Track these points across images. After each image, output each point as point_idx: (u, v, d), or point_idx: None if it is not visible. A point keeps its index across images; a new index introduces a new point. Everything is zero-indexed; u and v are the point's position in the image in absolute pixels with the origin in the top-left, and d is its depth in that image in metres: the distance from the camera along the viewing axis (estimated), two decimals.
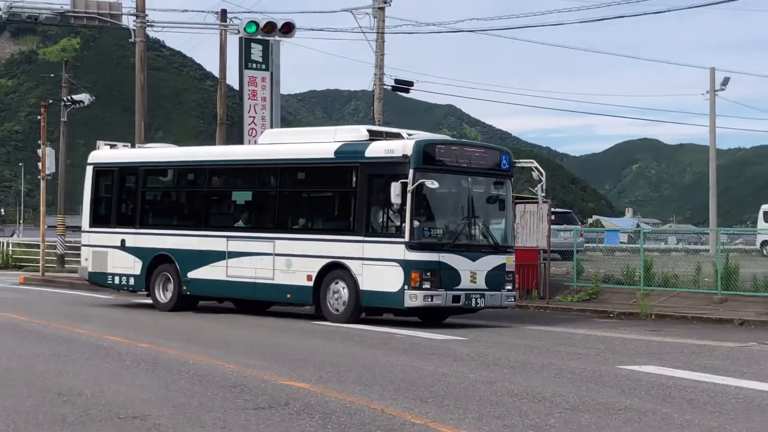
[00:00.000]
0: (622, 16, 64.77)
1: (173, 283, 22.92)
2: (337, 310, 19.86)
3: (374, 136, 20.30)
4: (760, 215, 51.95)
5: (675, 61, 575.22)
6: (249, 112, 33.37)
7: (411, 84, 35.83)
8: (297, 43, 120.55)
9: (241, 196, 23.11)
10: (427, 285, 18.76)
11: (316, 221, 21.28)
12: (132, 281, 23.87)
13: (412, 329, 18.73)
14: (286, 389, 10.94)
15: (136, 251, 23.65)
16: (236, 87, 35.09)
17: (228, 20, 33.31)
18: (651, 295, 24.65)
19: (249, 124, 33.31)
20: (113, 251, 24.08)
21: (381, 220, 19.56)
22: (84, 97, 46.86)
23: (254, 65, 33.26)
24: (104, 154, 25.57)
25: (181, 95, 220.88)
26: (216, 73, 37.00)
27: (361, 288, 19.39)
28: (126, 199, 24.70)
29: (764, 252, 36.48)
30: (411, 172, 18.73)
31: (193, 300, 23.12)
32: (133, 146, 27.72)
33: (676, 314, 22.89)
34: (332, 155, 20.29)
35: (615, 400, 10.54)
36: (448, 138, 20.03)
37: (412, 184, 18.64)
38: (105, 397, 10.40)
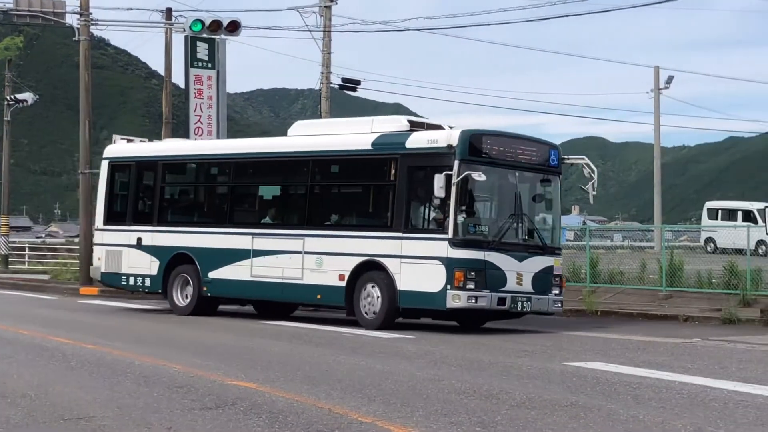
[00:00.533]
0: (567, 15, 65.28)
1: (192, 284, 21.62)
2: (367, 312, 18.65)
3: (414, 126, 19.27)
4: (704, 212, 52.53)
5: (620, 60, 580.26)
6: (195, 111, 33.24)
7: (358, 83, 35.88)
8: (243, 42, 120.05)
9: (268, 191, 21.75)
10: (471, 285, 17.50)
11: (349, 217, 20.08)
12: (148, 282, 22.53)
13: (360, 329, 18.70)
14: (233, 389, 10.89)
15: (153, 250, 22.39)
16: (182, 86, 34.95)
17: (173, 18, 33.13)
18: (597, 292, 24.85)
19: (195, 123, 33.18)
20: (128, 250, 22.79)
21: (422, 215, 18.42)
22: (28, 96, 46.45)
23: (200, 64, 33.15)
24: (120, 148, 24.42)
25: (126, 94, 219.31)
26: (161, 72, 36.77)
27: (398, 288, 18.13)
28: (143, 195, 23.43)
29: (708, 249, 36.79)
30: (456, 163, 17.51)
31: (213, 302, 21.84)
32: (151, 141, 26.44)
33: (621, 311, 23.10)
34: (369, 146, 19.17)
35: (561, 397, 10.60)
36: (495, 129, 19.06)
37: (457, 177, 17.44)
38: (50, 398, 10.30)
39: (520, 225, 18.50)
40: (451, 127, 18.77)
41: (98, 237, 24.12)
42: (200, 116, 33.30)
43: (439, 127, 19.10)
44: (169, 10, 33.49)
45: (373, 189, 19.65)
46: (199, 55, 33.04)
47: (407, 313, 18.72)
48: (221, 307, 22.29)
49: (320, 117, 34.04)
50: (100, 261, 23.60)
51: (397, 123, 19.50)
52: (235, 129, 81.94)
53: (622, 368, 13.18)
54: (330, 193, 20.73)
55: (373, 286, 18.48)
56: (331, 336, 17.49)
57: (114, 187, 23.80)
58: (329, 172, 20.61)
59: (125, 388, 10.93)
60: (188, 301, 21.75)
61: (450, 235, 17.53)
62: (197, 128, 33.17)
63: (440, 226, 17.77)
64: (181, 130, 35.19)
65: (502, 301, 17.85)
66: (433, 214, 18.13)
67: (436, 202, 17.79)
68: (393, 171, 18.64)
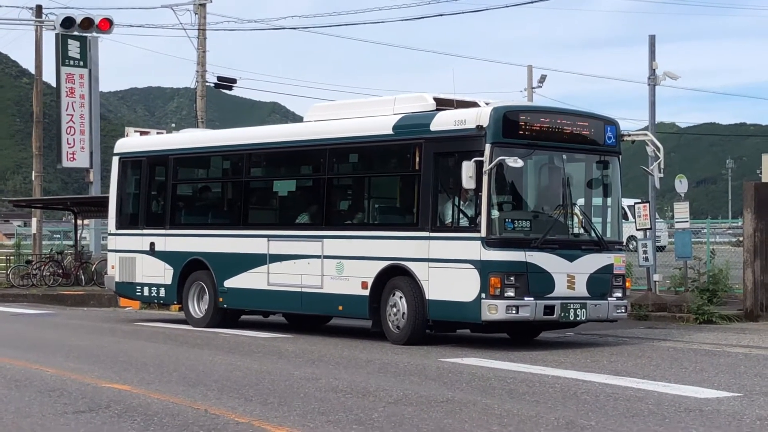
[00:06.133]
0: (441, 15, 65.94)
1: (208, 293, 19.08)
2: (398, 327, 16.00)
3: (442, 105, 16.60)
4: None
5: (495, 59, 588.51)
6: (67, 110, 32.83)
7: (234, 81, 35.66)
8: (116, 40, 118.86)
9: (283, 187, 19.21)
10: (510, 292, 14.85)
11: (372, 214, 17.38)
12: (162, 292, 19.93)
13: (237, 329, 18.59)
14: (108, 392, 10.75)
15: (166, 256, 19.82)
16: (54, 84, 34.41)
17: (44, 16, 32.62)
18: None
19: (67, 122, 32.80)
20: (142, 257, 20.21)
21: (451, 210, 15.73)
22: None
23: (72, 62, 32.75)
24: (132, 141, 22.19)
25: None
26: (33, 70, 36.10)
27: (427, 297, 15.56)
28: (156, 194, 20.77)
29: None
30: (488, 147, 14.93)
31: (232, 314, 19.25)
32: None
33: None
34: (390, 131, 16.55)
35: (437, 393, 10.71)
36: (535, 105, 16.04)
37: (489, 163, 14.86)
38: None
39: (569, 217, 16.17)
40: (487, 104, 16.17)
41: (111, 243, 21.51)
42: (72, 115, 32.88)
43: (472, 105, 16.43)
44: (39, 8, 32.98)
45: (396, 181, 17.24)
46: (70, 53, 32.64)
47: (440, 325, 16.23)
48: (243, 318, 19.81)
49: (196, 116, 33.78)
50: (114, 270, 21.01)
51: (421, 102, 16.84)
52: (108, 128, 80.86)
53: (497, 363, 13.37)
54: (349, 187, 18.25)
55: (401, 297, 15.99)
56: (207, 336, 17.36)
57: (126, 187, 21.09)
58: (347, 163, 18.23)
59: None
60: (204, 313, 19.27)
61: (483, 233, 14.96)
62: (69, 127, 32.76)
63: (472, 223, 15.30)
64: (53, 129, 34.62)
65: (549, 309, 15.19)
66: (463, 210, 15.64)
67: (467, 194, 15.42)
68: (417, 159, 16.12)
